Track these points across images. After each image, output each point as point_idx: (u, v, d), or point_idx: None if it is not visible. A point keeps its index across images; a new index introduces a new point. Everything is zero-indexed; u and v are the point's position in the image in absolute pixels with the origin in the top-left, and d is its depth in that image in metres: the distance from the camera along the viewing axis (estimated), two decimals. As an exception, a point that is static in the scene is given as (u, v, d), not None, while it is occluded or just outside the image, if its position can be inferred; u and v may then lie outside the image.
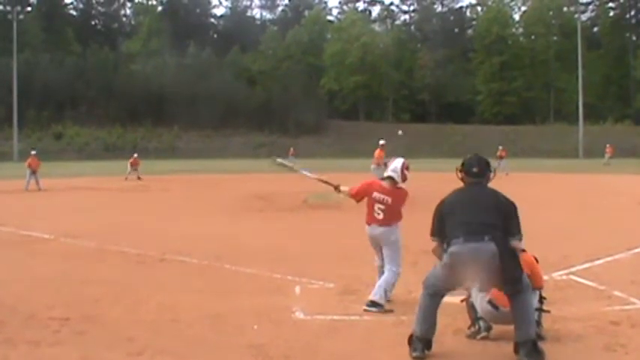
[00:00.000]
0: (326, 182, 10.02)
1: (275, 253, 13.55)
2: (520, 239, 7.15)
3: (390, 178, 9.49)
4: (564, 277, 11.08)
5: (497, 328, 7.58)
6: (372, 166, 27.66)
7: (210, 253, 13.49)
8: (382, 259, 9.63)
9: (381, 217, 9.39)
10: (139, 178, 43.68)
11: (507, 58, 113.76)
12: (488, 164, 7.48)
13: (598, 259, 12.78)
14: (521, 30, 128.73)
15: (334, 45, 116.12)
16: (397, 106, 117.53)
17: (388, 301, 9.11)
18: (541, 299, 7.76)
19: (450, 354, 7.16)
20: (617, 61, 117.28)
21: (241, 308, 8.98)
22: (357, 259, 12.15)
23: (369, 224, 9.49)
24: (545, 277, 10.79)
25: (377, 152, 28.56)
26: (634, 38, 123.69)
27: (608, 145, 65.97)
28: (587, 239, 15.79)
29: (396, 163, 9.61)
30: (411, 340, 7.08)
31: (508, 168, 42.05)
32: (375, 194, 9.38)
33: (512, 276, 6.92)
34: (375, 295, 9.06)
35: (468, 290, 7.69)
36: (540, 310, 7.68)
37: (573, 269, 11.70)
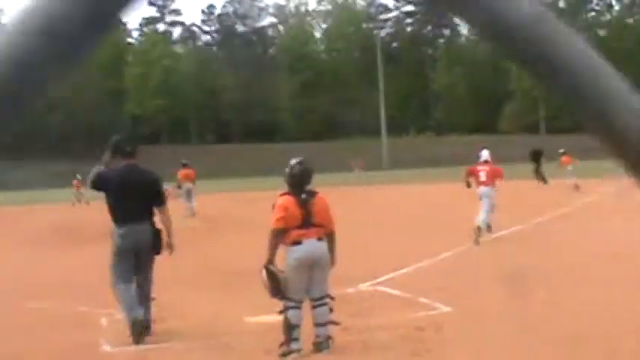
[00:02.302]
0: None
1: (78, 286, 12.98)
2: (166, 205, 9.42)
3: (485, 161, 18.10)
4: (370, 288, 11.31)
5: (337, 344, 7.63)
6: None
7: (5, 289, 12.73)
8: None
9: (483, 179, 17.40)
10: None
11: (310, 76, 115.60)
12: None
13: (403, 268, 13.10)
14: (323, 47, 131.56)
15: (135, 68, 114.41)
16: (201, 127, 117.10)
17: None
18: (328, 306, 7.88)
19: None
20: (416, 74, 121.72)
21: (45, 346, 8.62)
22: (164, 286, 11.96)
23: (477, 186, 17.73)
24: (351, 290, 11.07)
25: None
26: (431, 52, 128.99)
27: (359, 160, 68.56)
28: (392, 249, 16.17)
29: (485, 152, 18.34)
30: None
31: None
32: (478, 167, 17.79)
33: (157, 249, 9.04)
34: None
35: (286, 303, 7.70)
36: (331, 322, 7.82)
37: (379, 280, 11.94)
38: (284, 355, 7.57)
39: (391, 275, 12.44)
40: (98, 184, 9.24)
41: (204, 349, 8.02)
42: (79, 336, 9.03)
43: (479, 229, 16.64)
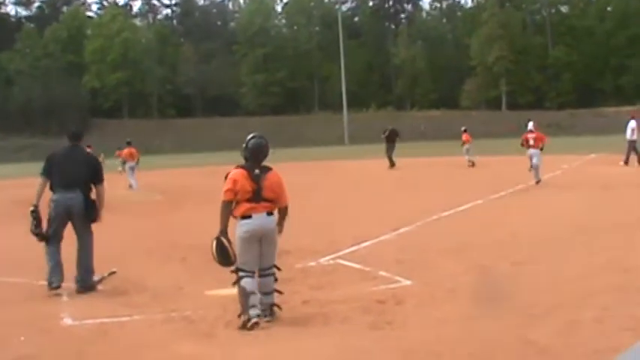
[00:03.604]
0: None
1: (40, 261, 12.92)
2: (103, 183, 10.31)
3: (531, 130, 24.23)
4: (331, 262, 11.33)
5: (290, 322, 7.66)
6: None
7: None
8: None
9: (532, 143, 23.59)
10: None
11: (271, 50, 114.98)
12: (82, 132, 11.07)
13: (364, 241, 13.14)
14: (283, 21, 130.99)
15: (95, 42, 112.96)
16: (162, 101, 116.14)
17: None
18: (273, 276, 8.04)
19: (224, 347, 7.17)
20: (377, 49, 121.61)
21: (6, 320, 8.55)
22: (125, 259, 11.95)
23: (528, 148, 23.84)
24: (312, 263, 11.11)
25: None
26: (393, 27, 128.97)
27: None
28: (354, 223, 16.23)
29: (530, 123, 24.76)
30: None
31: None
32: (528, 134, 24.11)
33: (90, 216, 10.08)
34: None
35: (231, 263, 7.89)
36: (276, 291, 8.03)
37: (340, 253, 11.96)
38: (245, 324, 7.61)
39: (352, 249, 12.47)
40: (47, 169, 10.21)
41: (166, 322, 8.03)
42: (39, 309, 8.99)
43: (538, 182, 23.19)
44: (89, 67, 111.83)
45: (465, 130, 35.66)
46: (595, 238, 12.53)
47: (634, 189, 20.82)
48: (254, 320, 7.60)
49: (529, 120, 26.32)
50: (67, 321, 8.42)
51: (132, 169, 30.71)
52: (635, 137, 29.54)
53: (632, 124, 29.90)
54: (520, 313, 7.66)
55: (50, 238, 10.07)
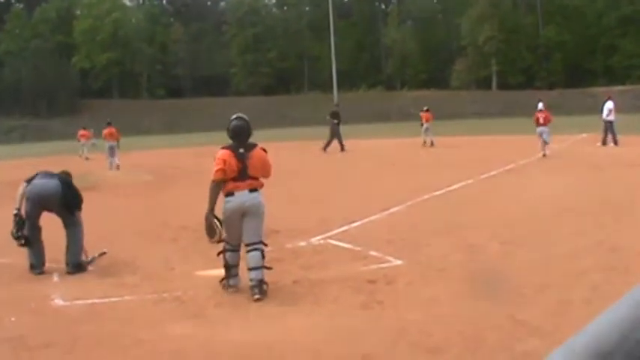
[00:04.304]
0: None
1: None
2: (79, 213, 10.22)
3: (540, 110, 26.72)
4: (322, 242, 11.32)
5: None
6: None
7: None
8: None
9: (542, 121, 26.03)
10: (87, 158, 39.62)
11: (261, 30, 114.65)
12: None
13: (354, 221, 13.10)
14: (273, 1, 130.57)
15: (84, 22, 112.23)
16: (152, 81, 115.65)
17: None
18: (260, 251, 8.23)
19: (215, 327, 7.18)
20: (367, 29, 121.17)
21: (-4, 300, 8.56)
22: (115, 240, 11.94)
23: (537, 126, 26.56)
24: (303, 243, 11.12)
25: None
26: (383, 7, 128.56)
27: None
28: (344, 203, 16.19)
29: (540, 104, 27.60)
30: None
31: None
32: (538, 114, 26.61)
33: (70, 206, 10.00)
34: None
35: (216, 240, 8.62)
36: (264, 267, 8.16)
37: (331, 233, 11.94)
38: (223, 285, 8.44)
39: (343, 229, 12.41)
40: (31, 178, 10.27)
41: (157, 303, 8.04)
42: (30, 290, 8.97)
43: (544, 155, 25.74)
44: (79, 47, 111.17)
45: (428, 110, 36.09)
46: (584, 217, 12.54)
47: (624, 169, 20.86)
48: (232, 286, 8.36)
49: (540, 100, 29.43)
50: (58, 302, 8.42)
51: (111, 148, 30.95)
52: (611, 118, 29.99)
53: (609, 104, 30.40)
54: (510, 293, 7.68)
55: (29, 239, 10.05)
